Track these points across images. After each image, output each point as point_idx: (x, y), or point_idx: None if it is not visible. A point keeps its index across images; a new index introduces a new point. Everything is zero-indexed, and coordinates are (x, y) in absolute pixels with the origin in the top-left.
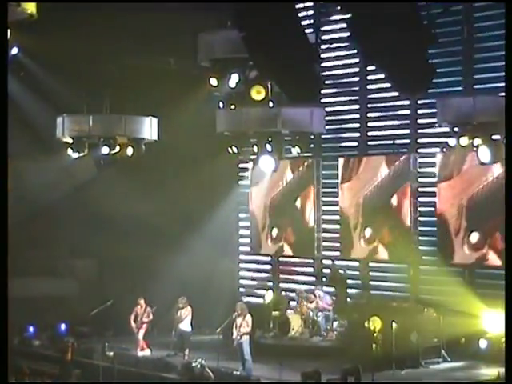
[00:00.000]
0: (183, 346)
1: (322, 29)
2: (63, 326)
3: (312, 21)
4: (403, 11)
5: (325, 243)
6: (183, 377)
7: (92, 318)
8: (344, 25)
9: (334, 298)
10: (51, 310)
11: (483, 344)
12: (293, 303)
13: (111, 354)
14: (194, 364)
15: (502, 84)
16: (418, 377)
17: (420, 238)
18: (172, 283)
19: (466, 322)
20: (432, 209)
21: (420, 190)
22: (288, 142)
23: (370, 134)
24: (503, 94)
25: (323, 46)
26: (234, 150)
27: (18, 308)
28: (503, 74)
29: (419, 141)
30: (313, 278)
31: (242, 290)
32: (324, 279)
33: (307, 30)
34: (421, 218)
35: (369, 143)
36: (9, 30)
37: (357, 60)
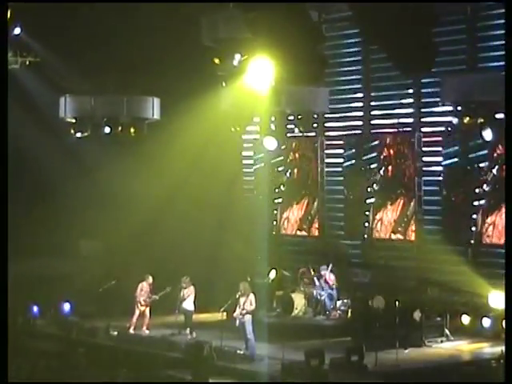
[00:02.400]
0: (186, 324)
1: (326, 8)
2: (67, 306)
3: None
4: None
5: (329, 222)
6: (187, 355)
7: (96, 297)
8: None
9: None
10: (56, 290)
11: (486, 322)
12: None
13: (115, 333)
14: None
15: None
16: (421, 355)
17: (425, 217)
18: (176, 262)
19: (469, 301)
20: (436, 188)
21: (424, 169)
22: (291, 121)
23: (373, 113)
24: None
25: (326, 25)
26: (238, 129)
27: (23, 287)
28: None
29: (423, 120)
30: (317, 257)
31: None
32: (328, 258)
33: (310, 10)
34: (425, 197)
35: (372, 122)
36: (10, 11)
37: (360, 39)
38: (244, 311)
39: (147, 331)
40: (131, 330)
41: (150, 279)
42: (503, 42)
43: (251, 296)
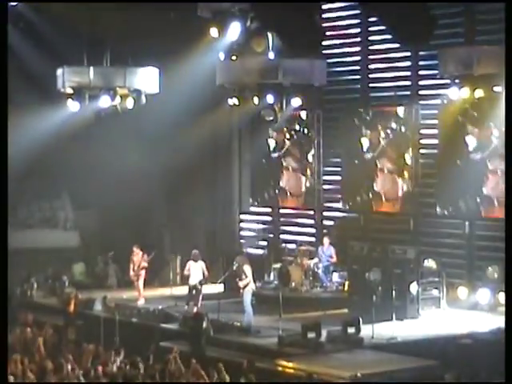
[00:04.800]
0: (195, 297)
1: None
2: (65, 278)
3: None
4: None
5: (326, 195)
6: (183, 327)
7: (115, 267)
8: None
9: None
10: (53, 262)
11: (482, 295)
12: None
13: (112, 305)
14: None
15: (503, 35)
16: (417, 327)
17: (422, 189)
18: (172, 234)
19: (465, 274)
20: (432, 160)
21: (421, 141)
22: (289, 93)
23: (371, 85)
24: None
25: None
26: (235, 101)
27: (20, 259)
28: (504, 25)
29: (420, 92)
30: (313, 230)
31: (243, 241)
32: (325, 231)
33: None
34: (422, 170)
35: (370, 95)
36: None
37: (358, 11)
38: (241, 284)
39: (141, 302)
40: (143, 302)
41: (137, 250)
42: (499, 15)
43: (246, 268)
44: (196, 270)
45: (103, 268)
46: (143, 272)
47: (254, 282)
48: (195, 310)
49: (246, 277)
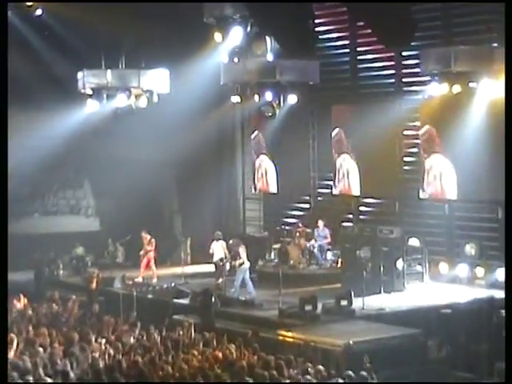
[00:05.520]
0: (219, 272)
1: None
2: (88, 258)
3: None
4: None
5: (320, 182)
6: (193, 302)
7: (122, 249)
8: None
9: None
10: (77, 244)
11: (461, 270)
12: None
13: (130, 282)
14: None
15: (479, 36)
16: (403, 299)
17: (405, 175)
18: (183, 220)
19: (445, 251)
20: (415, 150)
21: (405, 133)
22: (286, 91)
23: (360, 83)
24: (480, 45)
25: (317, 4)
26: (237, 99)
27: (48, 242)
28: (479, 27)
29: (404, 88)
30: (310, 213)
31: (247, 224)
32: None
33: None
34: (405, 159)
35: (359, 91)
36: None
37: (347, 17)
38: (236, 263)
39: (154, 280)
40: (140, 279)
41: (145, 235)
42: (474, 18)
43: (240, 249)
44: (218, 248)
45: (113, 250)
46: (151, 254)
47: (249, 261)
48: (220, 280)
49: (240, 258)
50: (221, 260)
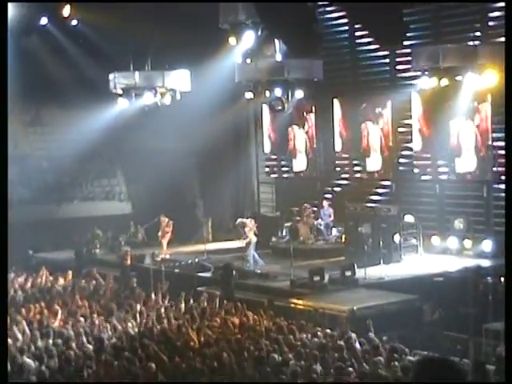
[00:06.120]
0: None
1: None
2: (121, 238)
3: None
4: None
5: (325, 166)
6: (215, 275)
7: (144, 231)
8: None
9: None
10: (112, 226)
11: (451, 242)
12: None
13: (159, 259)
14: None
15: (464, 35)
16: (400, 269)
17: (400, 160)
18: (205, 202)
19: (437, 226)
20: (409, 137)
21: (400, 122)
22: (293, 87)
23: (359, 79)
24: (464, 43)
25: (320, 9)
26: (250, 95)
27: (86, 225)
28: (465, 26)
29: (398, 83)
30: (317, 195)
31: (261, 205)
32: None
33: None
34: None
35: (358, 86)
36: (69, 6)
37: (346, 20)
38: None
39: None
40: (168, 256)
41: (164, 218)
42: (459, 19)
43: (246, 229)
44: (249, 229)
45: (134, 231)
46: (168, 234)
47: (263, 237)
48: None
49: (247, 237)
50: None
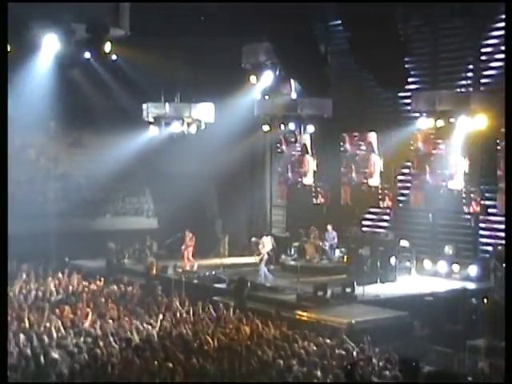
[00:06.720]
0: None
1: (331, 41)
2: (153, 247)
3: (323, 34)
4: (388, 34)
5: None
6: (229, 287)
7: (168, 245)
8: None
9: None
10: (140, 239)
11: (441, 266)
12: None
13: (180, 270)
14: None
15: (459, 82)
16: (395, 288)
17: (399, 191)
18: (223, 221)
19: (429, 250)
20: (407, 170)
21: (400, 155)
22: (305, 122)
23: (366, 117)
24: (458, 89)
25: (331, 55)
26: (267, 128)
27: (116, 237)
28: (460, 74)
29: (398, 122)
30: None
31: (273, 226)
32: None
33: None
34: (399, 177)
35: (363, 123)
36: (109, 43)
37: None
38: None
39: (195, 268)
40: (188, 268)
41: (188, 233)
42: (454, 68)
43: (259, 246)
44: (268, 242)
45: (149, 245)
46: (190, 248)
47: (269, 255)
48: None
49: (260, 253)
50: (267, 253)
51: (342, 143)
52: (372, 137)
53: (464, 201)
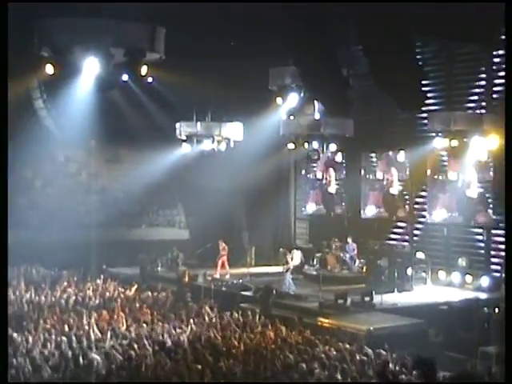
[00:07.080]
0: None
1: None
2: (179, 259)
3: (345, 59)
4: (405, 60)
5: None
6: (256, 294)
7: (198, 254)
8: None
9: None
10: (172, 249)
11: (455, 277)
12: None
13: (209, 278)
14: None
15: (472, 104)
16: (412, 297)
17: (415, 206)
18: (250, 233)
19: (443, 262)
20: (424, 186)
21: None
22: (328, 141)
23: (383, 136)
24: (471, 110)
25: (352, 78)
26: (292, 146)
27: (150, 247)
28: (472, 97)
29: (416, 141)
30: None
31: (297, 238)
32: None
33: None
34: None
35: (383, 142)
36: (146, 67)
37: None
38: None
39: (227, 277)
40: (217, 276)
41: (221, 243)
42: (470, 90)
43: (287, 257)
44: (297, 256)
45: (175, 255)
46: (224, 257)
47: (296, 266)
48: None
49: (287, 263)
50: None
51: (362, 161)
52: (391, 155)
53: (477, 215)
